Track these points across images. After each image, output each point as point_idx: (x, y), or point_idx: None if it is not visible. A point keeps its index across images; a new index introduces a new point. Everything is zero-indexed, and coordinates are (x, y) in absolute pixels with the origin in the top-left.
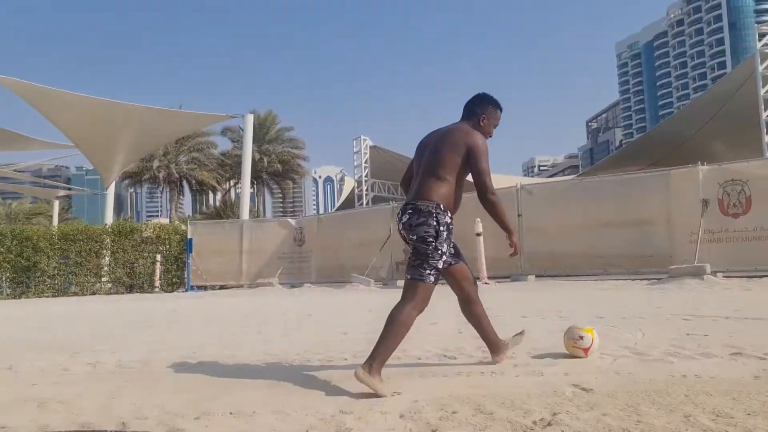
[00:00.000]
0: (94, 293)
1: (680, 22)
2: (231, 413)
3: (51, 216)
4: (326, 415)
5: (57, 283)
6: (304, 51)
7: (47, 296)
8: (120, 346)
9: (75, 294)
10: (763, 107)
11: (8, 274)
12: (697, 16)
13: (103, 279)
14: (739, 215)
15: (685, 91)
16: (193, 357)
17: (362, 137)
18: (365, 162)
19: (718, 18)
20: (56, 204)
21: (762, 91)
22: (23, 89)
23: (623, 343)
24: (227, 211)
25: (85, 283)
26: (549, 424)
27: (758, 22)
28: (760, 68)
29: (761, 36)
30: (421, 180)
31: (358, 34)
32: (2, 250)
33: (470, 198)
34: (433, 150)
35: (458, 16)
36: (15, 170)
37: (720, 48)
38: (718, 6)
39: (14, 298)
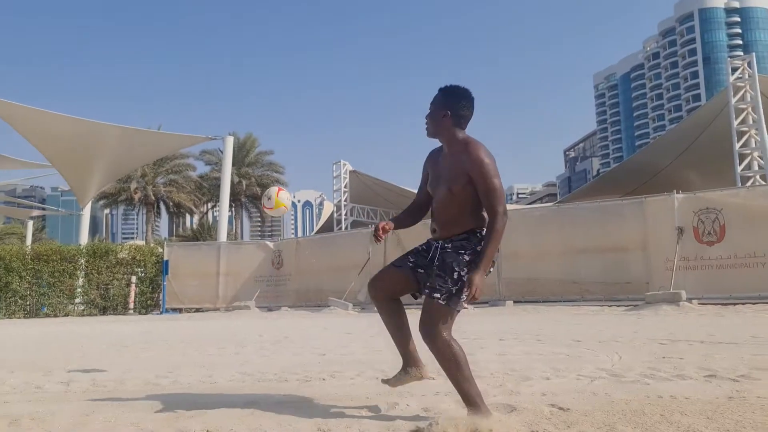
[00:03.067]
0: (66, 315)
1: (656, 55)
2: (208, 431)
3: (24, 236)
4: None
5: (29, 305)
6: (285, 74)
7: (18, 317)
8: (94, 365)
9: (47, 315)
10: (736, 138)
11: None
12: (673, 49)
13: (77, 300)
14: (713, 243)
15: (661, 122)
16: (169, 376)
17: (342, 162)
18: (345, 186)
19: (693, 52)
20: (30, 224)
21: (735, 123)
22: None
23: (600, 365)
24: (204, 233)
25: (58, 305)
26: None
27: (731, 57)
28: (733, 101)
29: (734, 70)
30: None
31: (338, 59)
32: None
33: None
34: None
35: (436, 42)
36: None
37: (694, 81)
38: (693, 41)
39: None
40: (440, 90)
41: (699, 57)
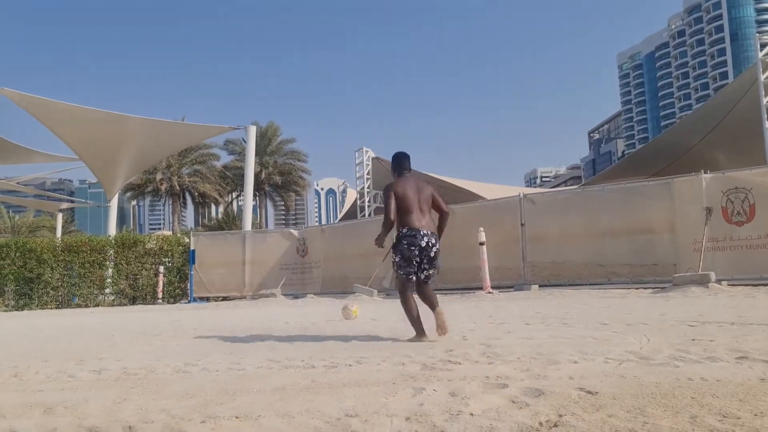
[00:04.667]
0: (97, 305)
1: (681, 33)
2: (237, 417)
3: (54, 228)
4: (332, 419)
5: (60, 295)
6: (306, 62)
7: (50, 308)
8: (125, 354)
9: (78, 306)
10: (765, 116)
11: (12, 286)
12: (698, 26)
13: (107, 291)
14: (743, 223)
15: (687, 102)
16: (198, 364)
17: (364, 149)
18: (367, 174)
19: (720, 29)
20: (59, 216)
21: (765, 101)
22: (26, 101)
23: (628, 348)
24: (229, 223)
25: (89, 295)
26: (555, 425)
27: (759, 32)
28: (762, 77)
29: (762, 46)
30: (428, 217)
31: (361, 46)
32: (6, 262)
33: (472, 209)
34: (426, 198)
35: (456, 27)
36: (19, 183)
37: (721, 58)
38: (719, 17)
39: (17, 309)
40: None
41: (726, 33)
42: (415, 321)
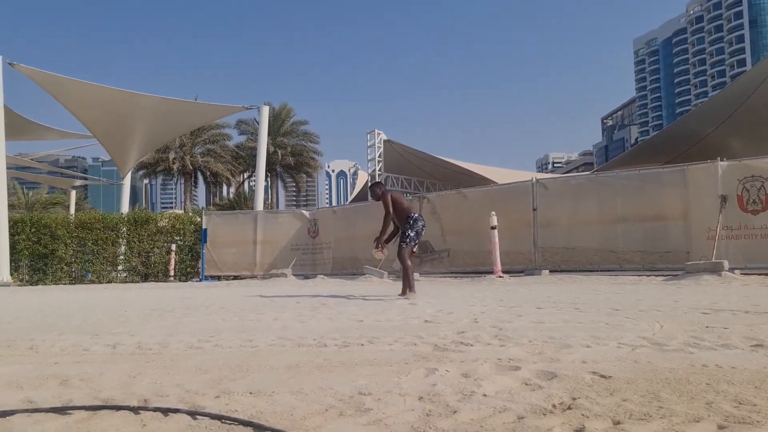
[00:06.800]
0: (110, 281)
1: (699, 19)
2: (251, 393)
3: (68, 205)
4: (345, 396)
5: (74, 271)
6: (319, 45)
7: (64, 283)
8: (139, 329)
9: (92, 282)
10: None
11: (26, 261)
12: (717, 12)
13: (119, 268)
14: (758, 212)
15: (704, 89)
16: (211, 341)
17: (376, 131)
18: (379, 156)
19: (739, 15)
20: (73, 193)
21: None
22: (42, 78)
23: (641, 334)
24: (241, 203)
25: (102, 272)
26: (569, 408)
27: None
28: None
29: None
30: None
31: (373, 28)
32: (21, 237)
33: (484, 193)
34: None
35: (471, 11)
36: (33, 160)
37: (740, 45)
38: (739, 3)
39: (31, 284)
40: (370, 185)
41: (745, 19)
42: (411, 280)
